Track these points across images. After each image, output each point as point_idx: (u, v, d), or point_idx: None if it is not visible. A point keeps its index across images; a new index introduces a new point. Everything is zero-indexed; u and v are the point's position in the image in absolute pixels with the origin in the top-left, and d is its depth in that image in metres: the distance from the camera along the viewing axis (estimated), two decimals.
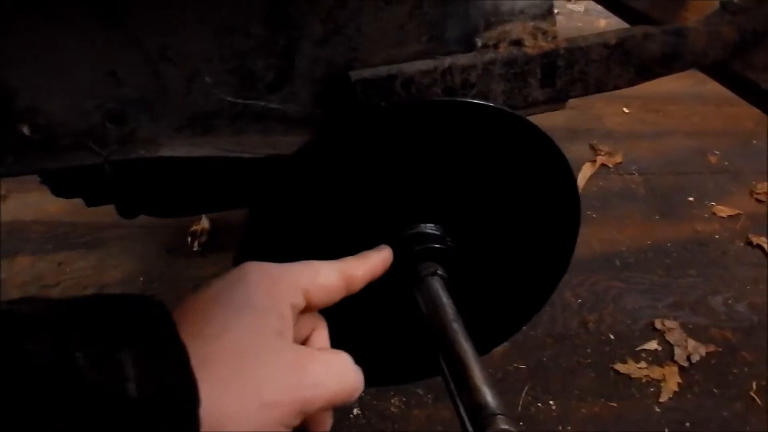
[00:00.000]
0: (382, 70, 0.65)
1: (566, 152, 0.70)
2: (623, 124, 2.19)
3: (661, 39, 0.74)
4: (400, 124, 0.63)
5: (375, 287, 0.57)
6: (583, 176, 1.90)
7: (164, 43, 0.59)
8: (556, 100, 0.74)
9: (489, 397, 0.53)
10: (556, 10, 0.72)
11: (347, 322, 0.58)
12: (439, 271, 0.67)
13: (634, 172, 1.95)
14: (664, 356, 1.36)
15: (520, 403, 1.25)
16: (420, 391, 1.26)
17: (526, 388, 1.28)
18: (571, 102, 0.77)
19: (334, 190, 0.66)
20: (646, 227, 1.73)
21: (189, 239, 1.61)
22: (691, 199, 1.84)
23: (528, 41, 0.69)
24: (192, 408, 0.35)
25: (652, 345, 1.38)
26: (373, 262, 0.58)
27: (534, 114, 0.73)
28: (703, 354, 1.36)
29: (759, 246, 1.66)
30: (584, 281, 1.54)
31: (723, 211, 1.78)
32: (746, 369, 1.34)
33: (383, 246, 0.61)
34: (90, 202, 0.82)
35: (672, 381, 1.30)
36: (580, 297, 1.50)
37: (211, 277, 0.48)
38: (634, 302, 1.49)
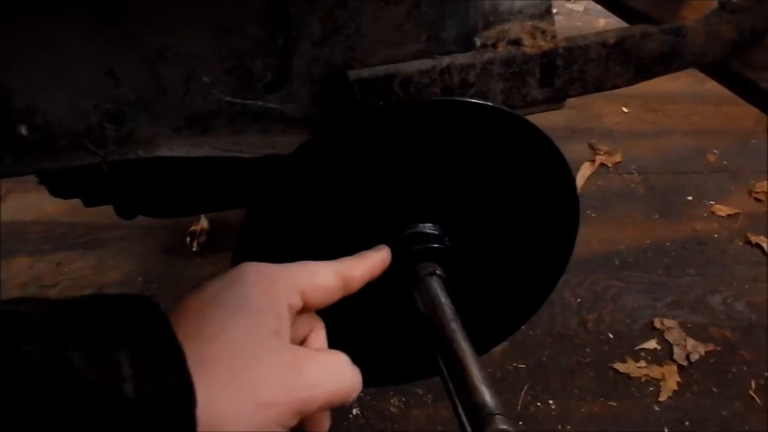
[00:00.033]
0: (381, 70, 0.65)
1: (565, 151, 0.69)
2: (622, 124, 2.19)
3: (660, 38, 0.74)
4: (399, 124, 0.63)
5: (373, 287, 0.57)
6: (582, 175, 1.90)
7: (163, 43, 0.59)
8: (555, 100, 0.74)
9: (487, 396, 0.53)
10: (555, 10, 0.72)
11: (345, 322, 0.58)
12: (437, 271, 0.67)
13: (633, 171, 1.95)
14: (664, 355, 1.36)
15: (520, 402, 1.25)
16: (419, 391, 1.26)
17: (525, 388, 1.28)
18: (570, 101, 0.77)
19: (332, 190, 0.66)
20: (645, 226, 1.73)
21: (188, 239, 1.61)
22: (690, 198, 1.84)
23: (527, 41, 0.69)
24: (189, 408, 0.34)
25: (652, 344, 1.38)
26: (372, 262, 0.57)
27: (533, 113, 0.72)
28: (702, 353, 1.37)
29: (758, 245, 1.67)
30: (583, 281, 1.54)
31: (722, 210, 1.79)
32: (745, 368, 1.34)
33: (382, 246, 0.61)
34: (88, 203, 0.82)
35: (671, 380, 1.30)
36: (580, 296, 1.50)
37: (210, 277, 0.48)
38: (633, 301, 1.49)
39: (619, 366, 1.33)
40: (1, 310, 0.33)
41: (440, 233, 0.70)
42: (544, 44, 0.69)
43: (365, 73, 0.64)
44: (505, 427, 0.50)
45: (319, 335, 0.52)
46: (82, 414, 0.31)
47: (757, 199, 1.83)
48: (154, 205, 0.89)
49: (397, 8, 0.64)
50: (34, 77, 0.57)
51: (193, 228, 1.63)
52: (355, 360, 0.48)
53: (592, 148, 2.03)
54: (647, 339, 1.39)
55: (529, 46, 0.69)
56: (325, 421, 0.49)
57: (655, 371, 1.32)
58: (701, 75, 0.88)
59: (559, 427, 1.22)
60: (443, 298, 0.64)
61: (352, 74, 0.64)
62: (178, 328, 0.38)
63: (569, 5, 3.09)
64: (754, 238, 1.68)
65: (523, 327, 0.90)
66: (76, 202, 0.81)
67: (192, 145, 0.65)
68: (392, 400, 1.24)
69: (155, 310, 0.38)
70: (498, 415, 0.51)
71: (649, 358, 1.36)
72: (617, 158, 1.98)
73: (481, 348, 0.75)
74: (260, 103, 0.65)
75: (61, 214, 1.67)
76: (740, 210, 1.78)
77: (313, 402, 0.42)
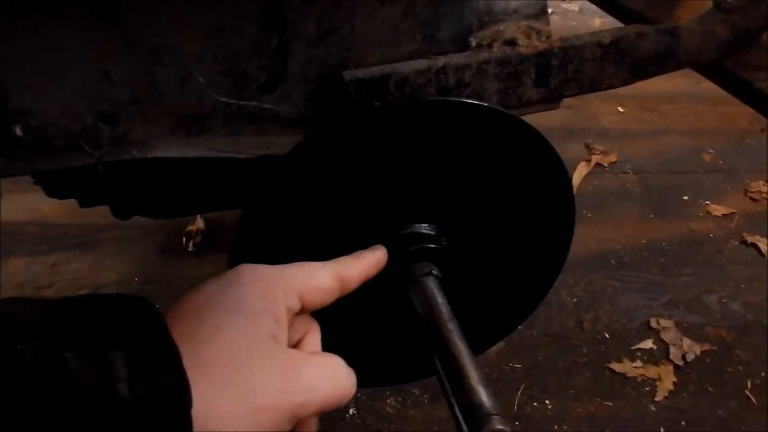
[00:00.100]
0: (376, 70, 0.65)
1: (561, 151, 0.69)
2: (618, 123, 2.20)
3: (655, 38, 0.74)
4: (395, 124, 0.63)
5: (369, 287, 0.57)
6: (578, 175, 1.90)
7: (158, 43, 0.59)
8: (551, 100, 0.74)
9: (484, 397, 0.53)
10: (550, 10, 0.72)
11: (341, 322, 0.58)
12: (433, 271, 0.67)
13: (629, 171, 1.95)
14: (660, 355, 1.36)
15: (516, 402, 1.25)
16: (416, 391, 1.26)
17: (521, 388, 1.28)
18: (566, 101, 0.77)
19: (328, 191, 0.66)
20: (642, 226, 1.73)
21: (184, 240, 1.61)
22: (686, 197, 1.84)
23: (522, 41, 0.69)
24: (184, 408, 0.34)
25: (648, 344, 1.39)
26: (368, 262, 0.57)
27: (528, 113, 0.72)
28: (698, 353, 1.37)
29: (753, 244, 1.67)
30: (580, 280, 1.54)
31: (718, 209, 1.79)
32: (741, 367, 1.35)
33: (378, 246, 0.61)
34: (84, 203, 0.82)
35: (667, 380, 1.30)
36: (576, 296, 1.50)
37: (207, 278, 0.48)
38: (629, 301, 1.50)
39: (615, 366, 1.33)
40: None
41: (436, 233, 0.70)
42: (540, 44, 0.69)
43: (361, 73, 0.64)
44: (501, 427, 0.50)
45: (314, 337, 0.52)
46: (77, 414, 0.31)
47: (753, 199, 1.84)
48: (149, 206, 0.89)
49: (392, 8, 0.64)
50: (29, 78, 0.57)
51: (189, 228, 1.62)
52: (351, 360, 0.48)
53: (588, 148, 2.03)
54: (643, 339, 1.40)
55: (525, 46, 0.69)
56: (315, 424, 0.49)
57: (652, 371, 1.33)
58: (697, 75, 0.89)
59: (556, 427, 1.22)
60: (439, 299, 0.64)
61: (348, 74, 0.64)
62: (174, 329, 0.38)
63: (564, 5, 3.09)
64: (749, 238, 1.68)
65: (519, 327, 0.90)
66: (71, 202, 0.81)
67: (187, 145, 0.65)
68: (389, 400, 1.24)
69: (151, 310, 0.38)
70: (495, 416, 0.51)
71: (646, 357, 1.36)
72: (613, 158, 1.99)
73: (477, 348, 0.75)
74: (255, 103, 0.65)
75: (57, 215, 1.67)
76: (736, 209, 1.79)
77: (309, 407, 0.42)
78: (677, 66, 0.78)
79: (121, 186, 0.80)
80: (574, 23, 2.95)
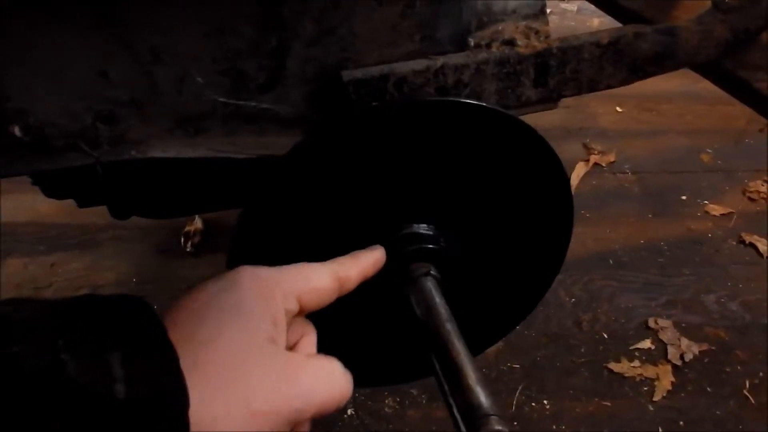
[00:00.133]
0: (375, 70, 0.65)
1: (560, 151, 0.69)
2: (617, 123, 2.20)
3: (653, 38, 0.74)
4: (393, 124, 0.63)
5: (367, 287, 0.57)
6: (576, 175, 1.90)
7: (157, 43, 0.59)
8: (549, 100, 0.74)
9: (482, 397, 0.53)
10: (549, 10, 0.72)
11: (339, 322, 0.58)
12: (432, 272, 0.67)
13: (627, 171, 1.95)
14: (658, 355, 1.37)
15: (514, 402, 1.25)
16: (414, 392, 1.26)
17: (520, 388, 1.28)
18: (565, 101, 0.77)
19: (326, 191, 0.66)
20: (640, 226, 1.73)
21: (182, 240, 1.60)
22: (684, 197, 1.84)
23: (520, 41, 0.69)
24: (182, 409, 0.34)
25: (646, 344, 1.39)
26: (366, 262, 0.57)
27: (527, 113, 0.72)
28: (697, 352, 1.37)
29: (752, 244, 1.67)
30: (578, 280, 1.54)
31: (716, 209, 1.79)
32: (739, 367, 1.35)
33: (376, 246, 0.61)
34: (82, 203, 0.82)
35: (666, 380, 1.31)
36: (574, 296, 1.50)
37: (205, 278, 0.47)
38: (627, 301, 1.50)
39: (613, 366, 1.33)
40: None
41: (435, 234, 0.70)
42: (538, 44, 0.69)
43: (359, 73, 0.64)
44: (500, 427, 0.50)
45: (310, 340, 0.52)
46: (74, 415, 0.31)
47: (751, 199, 1.84)
48: (148, 206, 0.88)
49: (390, 8, 0.64)
50: (28, 78, 0.57)
51: (187, 228, 1.62)
52: (350, 360, 0.48)
53: (587, 148, 2.03)
54: (642, 339, 1.40)
55: (523, 46, 0.69)
56: (308, 425, 0.49)
57: (650, 371, 1.33)
58: (695, 75, 0.89)
59: (554, 427, 1.22)
60: (438, 299, 0.64)
61: (346, 75, 0.64)
62: (172, 330, 0.38)
63: (563, 5, 3.09)
64: (748, 238, 1.68)
65: (517, 327, 0.90)
66: (70, 202, 0.81)
67: (185, 146, 0.65)
68: (387, 401, 1.24)
69: (149, 311, 0.38)
70: (493, 416, 0.51)
71: (644, 357, 1.36)
72: (611, 158, 1.99)
73: (475, 348, 0.75)
74: (254, 103, 0.65)
75: (56, 215, 1.67)
76: (734, 209, 1.79)
77: (306, 410, 0.42)
78: (675, 66, 0.78)
79: (119, 186, 0.79)
80: (573, 23, 2.95)
